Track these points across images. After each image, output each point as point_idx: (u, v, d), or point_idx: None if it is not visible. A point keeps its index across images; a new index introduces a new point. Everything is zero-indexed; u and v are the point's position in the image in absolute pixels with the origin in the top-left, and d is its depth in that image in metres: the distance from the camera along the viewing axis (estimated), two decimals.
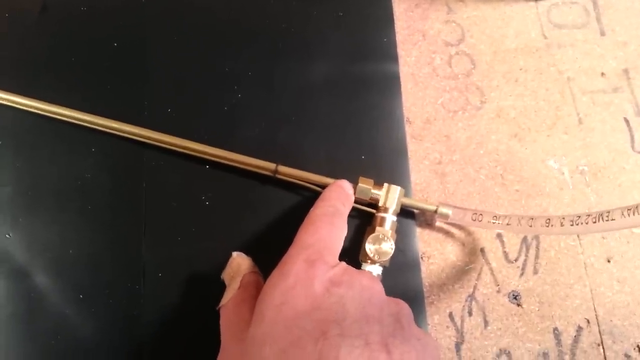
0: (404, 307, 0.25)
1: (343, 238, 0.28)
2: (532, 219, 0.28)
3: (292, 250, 0.26)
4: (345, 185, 0.31)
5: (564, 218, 0.27)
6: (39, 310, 0.31)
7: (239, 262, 0.29)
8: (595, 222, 0.25)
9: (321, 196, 0.30)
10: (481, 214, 0.31)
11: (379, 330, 0.22)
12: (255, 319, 0.24)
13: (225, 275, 0.29)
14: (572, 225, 0.26)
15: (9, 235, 0.33)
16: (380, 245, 0.30)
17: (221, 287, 0.29)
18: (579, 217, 0.26)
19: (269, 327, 0.22)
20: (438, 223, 0.33)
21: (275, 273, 0.25)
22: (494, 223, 0.30)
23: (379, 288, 0.25)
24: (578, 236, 0.33)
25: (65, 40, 0.36)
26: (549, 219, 0.28)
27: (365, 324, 0.22)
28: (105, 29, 0.36)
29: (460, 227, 0.33)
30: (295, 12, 0.37)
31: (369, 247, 0.30)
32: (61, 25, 0.36)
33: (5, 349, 0.31)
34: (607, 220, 0.25)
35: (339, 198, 0.29)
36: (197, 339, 0.31)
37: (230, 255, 0.30)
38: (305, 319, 0.22)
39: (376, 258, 0.29)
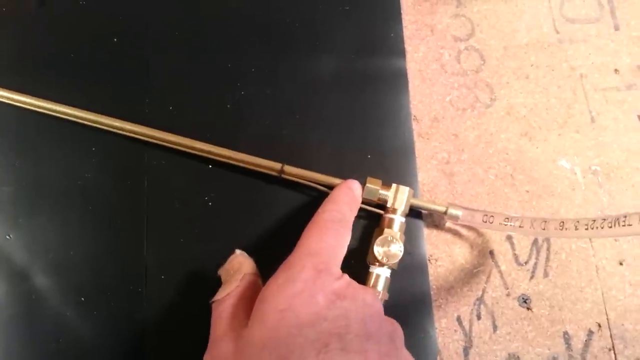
0: (398, 328, 0.25)
1: (346, 247, 0.27)
2: (545, 221, 0.28)
3: (299, 254, 0.25)
4: (355, 186, 0.30)
5: (578, 222, 0.26)
6: (39, 313, 0.31)
7: (241, 261, 0.28)
8: (611, 227, 0.25)
9: (329, 197, 0.29)
10: (492, 216, 0.30)
11: (377, 349, 0.22)
12: (255, 320, 0.23)
13: (223, 271, 0.28)
14: (586, 229, 0.26)
15: (9, 236, 0.32)
16: (389, 247, 0.29)
17: None
18: (594, 221, 0.25)
19: (270, 331, 0.22)
20: (447, 224, 0.32)
21: (280, 275, 0.24)
22: (505, 225, 0.29)
23: (379, 306, 0.25)
24: (590, 238, 0.32)
25: (64, 36, 0.35)
26: (563, 222, 0.27)
27: (366, 341, 0.22)
28: (105, 24, 0.35)
29: (468, 229, 0.32)
30: (300, 6, 0.36)
31: (378, 249, 0.29)
32: (60, 21, 0.35)
33: (5, 351, 0.30)
34: (623, 226, 0.24)
35: (347, 202, 0.29)
36: (200, 341, 0.30)
37: (232, 252, 0.29)
38: (309, 328, 0.22)
39: (385, 261, 0.29)
